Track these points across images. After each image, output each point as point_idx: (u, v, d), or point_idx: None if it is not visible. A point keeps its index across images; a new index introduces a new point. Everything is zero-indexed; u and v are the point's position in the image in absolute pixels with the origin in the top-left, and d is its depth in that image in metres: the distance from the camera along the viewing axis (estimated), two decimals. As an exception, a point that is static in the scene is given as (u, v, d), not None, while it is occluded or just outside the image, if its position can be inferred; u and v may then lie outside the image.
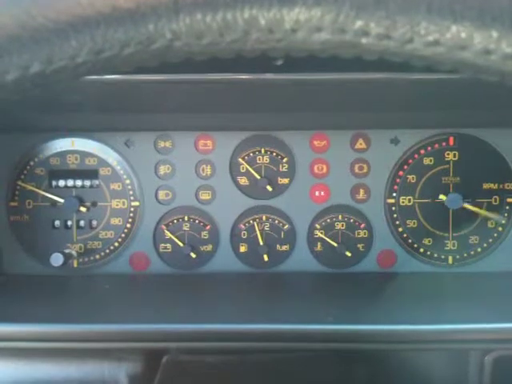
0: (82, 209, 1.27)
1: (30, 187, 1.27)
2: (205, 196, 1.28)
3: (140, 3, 0.29)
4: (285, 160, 1.28)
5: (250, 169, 1.27)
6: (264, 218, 1.29)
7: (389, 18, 0.30)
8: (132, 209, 1.28)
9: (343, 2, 0.29)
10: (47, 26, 0.29)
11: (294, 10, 0.30)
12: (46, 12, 0.29)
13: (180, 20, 0.30)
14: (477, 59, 0.31)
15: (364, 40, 0.30)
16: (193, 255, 1.28)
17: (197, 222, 1.29)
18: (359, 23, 0.30)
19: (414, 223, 1.28)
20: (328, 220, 1.29)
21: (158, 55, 0.31)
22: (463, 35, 0.30)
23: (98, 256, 1.29)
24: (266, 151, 1.28)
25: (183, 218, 1.29)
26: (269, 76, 0.93)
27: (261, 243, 1.28)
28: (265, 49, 0.32)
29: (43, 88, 0.32)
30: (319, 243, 1.29)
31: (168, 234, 1.29)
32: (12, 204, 1.28)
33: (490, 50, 0.30)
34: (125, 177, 1.27)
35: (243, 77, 0.94)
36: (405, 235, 1.29)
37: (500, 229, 1.28)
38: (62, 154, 1.27)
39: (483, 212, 1.26)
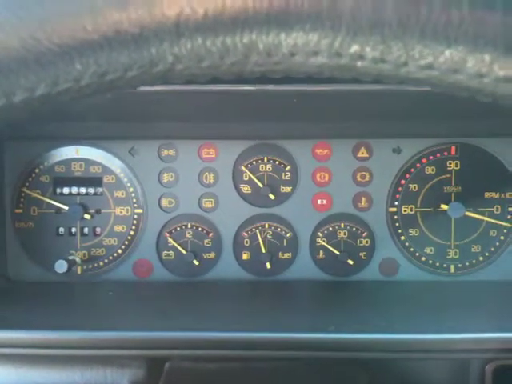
0: (86, 216, 1.28)
1: (34, 194, 1.29)
2: (208, 204, 1.29)
3: (143, 28, 0.30)
4: (287, 168, 1.28)
5: (252, 177, 1.28)
6: (266, 225, 1.30)
7: (384, 43, 0.31)
8: (135, 216, 1.29)
9: (339, 27, 0.30)
10: (53, 50, 0.30)
11: (291, 35, 0.30)
12: (51, 36, 0.30)
13: (181, 44, 0.31)
14: (470, 82, 0.32)
15: (360, 63, 0.31)
16: (196, 263, 1.29)
17: (200, 229, 1.30)
18: (355, 47, 0.31)
19: (416, 232, 1.29)
20: (330, 228, 1.29)
21: (159, 77, 0.32)
22: (456, 59, 0.31)
23: (101, 263, 1.30)
24: (268, 160, 1.28)
25: (186, 226, 1.30)
26: (271, 87, 0.94)
27: (263, 251, 1.29)
28: (263, 71, 0.33)
29: (48, 107, 0.33)
30: (321, 251, 1.30)
31: (171, 242, 1.29)
32: (17, 211, 1.29)
33: (483, 73, 0.31)
34: (128, 184, 1.29)
35: (246, 88, 0.94)
36: (407, 244, 1.29)
37: (502, 237, 1.28)
38: (67, 162, 1.29)
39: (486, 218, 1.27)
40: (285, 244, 1.30)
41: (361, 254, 1.29)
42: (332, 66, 0.31)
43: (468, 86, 0.32)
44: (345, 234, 1.29)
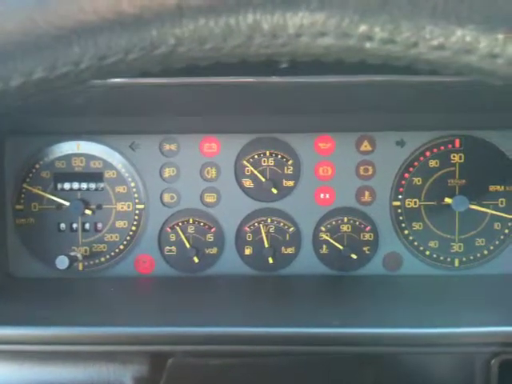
0: (88, 212, 1.27)
1: (35, 190, 1.28)
2: (210, 199, 1.28)
3: (144, 9, 0.29)
4: (290, 162, 1.27)
5: (254, 171, 1.27)
6: (269, 220, 1.29)
7: (393, 22, 0.30)
8: (137, 211, 1.28)
9: (347, 6, 0.29)
10: (50, 33, 0.29)
11: (297, 15, 0.29)
12: (49, 18, 0.29)
13: (183, 25, 0.30)
14: (482, 63, 0.31)
15: (368, 44, 0.30)
16: (198, 258, 1.28)
17: (202, 224, 1.29)
18: (363, 27, 0.30)
19: (420, 226, 1.28)
20: (333, 222, 1.28)
21: (160, 61, 0.31)
22: (468, 39, 0.30)
23: (103, 259, 1.29)
24: (270, 154, 1.27)
25: (188, 221, 1.29)
26: (274, 79, 0.93)
27: (266, 246, 1.28)
28: (268, 53, 0.32)
29: (47, 93, 0.32)
30: (324, 246, 1.29)
31: (173, 237, 1.29)
32: (18, 207, 1.28)
33: (496, 54, 0.30)
34: (130, 180, 1.28)
35: (248, 80, 0.93)
36: (410, 238, 1.28)
37: (506, 231, 1.27)
38: (68, 157, 1.28)
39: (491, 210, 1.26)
40: (287, 239, 1.29)
41: (364, 248, 1.28)
42: (339, 47, 0.30)
43: (480, 67, 0.31)
44: (348, 229, 1.28)
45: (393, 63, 0.32)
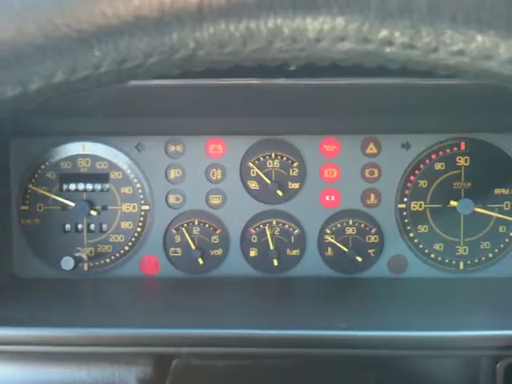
0: (93, 212, 1.27)
1: (40, 191, 1.28)
2: (215, 200, 1.28)
3: (164, 12, 0.29)
4: (295, 164, 1.27)
5: (260, 173, 1.27)
6: (274, 222, 1.29)
7: (413, 28, 0.30)
8: (142, 213, 1.28)
9: (368, 11, 0.29)
10: (71, 36, 0.29)
11: (318, 20, 0.29)
12: (69, 22, 0.29)
13: (204, 29, 0.30)
14: (502, 69, 0.31)
15: (388, 49, 0.30)
16: (203, 259, 1.28)
17: (207, 226, 1.29)
18: (384, 32, 0.30)
19: (425, 228, 1.28)
20: (338, 225, 1.28)
21: (179, 64, 0.31)
22: (488, 44, 0.30)
23: (108, 260, 1.29)
24: (276, 155, 1.27)
25: (193, 222, 1.29)
26: (280, 81, 0.93)
27: (271, 248, 1.28)
28: (287, 58, 0.32)
29: (65, 96, 0.32)
30: (330, 248, 1.29)
31: (178, 238, 1.29)
32: (23, 208, 1.28)
33: (516, 60, 0.30)
34: (135, 181, 1.28)
35: (255, 82, 0.93)
36: (416, 240, 1.28)
37: (511, 234, 1.27)
38: (73, 158, 1.28)
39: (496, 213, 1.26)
40: (293, 241, 1.29)
41: (369, 250, 1.28)
42: (359, 52, 0.30)
43: (500, 72, 0.31)
44: (353, 231, 1.28)
45: (412, 68, 0.32)
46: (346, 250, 1.27)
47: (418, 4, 0.29)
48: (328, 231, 1.28)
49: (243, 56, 0.31)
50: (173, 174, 1.28)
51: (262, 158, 1.27)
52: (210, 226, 1.29)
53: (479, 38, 0.30)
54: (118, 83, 0.31)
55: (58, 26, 0.29)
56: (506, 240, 1.27)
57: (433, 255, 1.28)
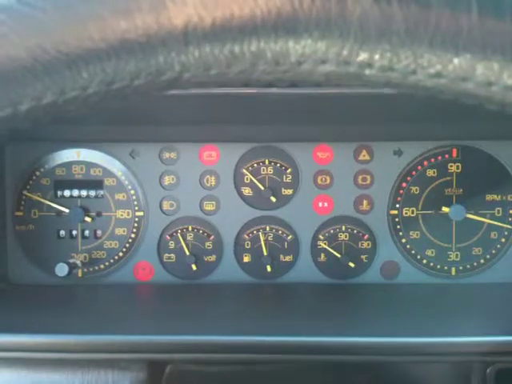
0: (87, 219, 1.28)
1: (35, 197, 1.28)
2: (209, 207, 1.29)
3: (150, 37, 0.30)
4: (289, 171, 1.28)
5: (254, 180, 1.28)
6: (268, 228, 1.29)
7: (392, 51, 0.30)
8: (136, 219, 1.29)
9: (347, 35, 0.30)
10: (59, 59, 0.30)
11: (299, 43, 0.30)
12: (58, 45, 0.30)
13: (189, 53, 0.30)
14: (478, 90, 0.32)
15: (368, 71, 0.31)
16: (196, 266, 1.29)
17: (201, 232, 1.29)
18: (363, 56, 0.30)
19: (417, 234, 1.29)
20: (331, 231, 1.29)
21: (166, 85, 0.32)
22: (465, 67, 0.31)
23: (102, 266, 1.30)
24: (270, 162, 1.28)
25: (187, 229, 1.29)
26: (273, 90, 0.94)
27: (264, 253, 1.28)
28: (271, 79, 0.33)
29: (54, 116, 0.33)
30: (323, 254, 1.30)
31: (172, 244, 1.29)
32: (17, 214, 1.29)
33: (492, 82, 0.31)
34: (129, 187, 1.28)
35: (248, 91, 0.94)
36: (408, 246, 1.29)
37: (503, 240, 1.28)
38: (68, 165, 1.28)
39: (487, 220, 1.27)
40: (286, 247, 1.30)
41: (362, 256, 1.29)
42: (340, 74, 0.31)
43: (476, 94, 0.32)
44: (346, 237, 1.29)
45: (392, 88, 0.33)
46: (338, 255, 1.28)
47: (396, 28, 0.30)
48: (321, 237, 1.29)
49: (228, 77, 0.32)
50: (167, 180, 1.28)
51: (255, 165, 1.28)
52: (203, 232, 1.29)
53: (456, 60, 0.31)
54: (106, 103, 0.32)
55: (46, 49, 0.30)
56: (498, 246, 1.28)
57: (425, 261, 1.29)
